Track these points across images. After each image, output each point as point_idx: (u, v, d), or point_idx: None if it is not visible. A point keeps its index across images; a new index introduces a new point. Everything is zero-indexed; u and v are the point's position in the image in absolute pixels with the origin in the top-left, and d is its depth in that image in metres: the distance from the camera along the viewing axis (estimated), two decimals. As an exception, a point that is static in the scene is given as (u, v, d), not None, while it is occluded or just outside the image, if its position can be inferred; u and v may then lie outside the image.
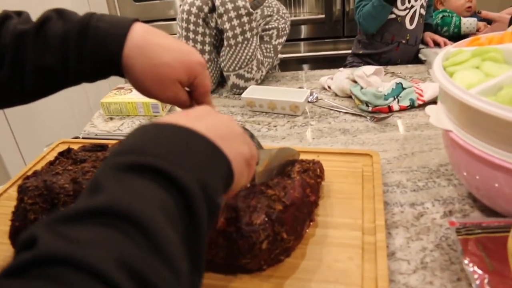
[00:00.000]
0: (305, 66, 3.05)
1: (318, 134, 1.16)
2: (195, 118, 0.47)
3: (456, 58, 0.76)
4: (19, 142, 2.26)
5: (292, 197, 0.67)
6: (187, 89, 0.63)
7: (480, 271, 0.60)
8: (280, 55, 1.65)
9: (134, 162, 0.39)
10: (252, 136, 0.74)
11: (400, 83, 1.25)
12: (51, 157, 1.03)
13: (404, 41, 1.89)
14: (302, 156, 0.97)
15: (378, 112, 1.24)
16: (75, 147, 1.13)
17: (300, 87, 1.43)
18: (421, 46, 1.95)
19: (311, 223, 0.76)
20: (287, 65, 2.85)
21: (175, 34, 1.42)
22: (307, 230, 0.74)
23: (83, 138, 1.23)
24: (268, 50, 1.46)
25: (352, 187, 0.85)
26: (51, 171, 0.76)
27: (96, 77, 0.62)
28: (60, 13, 0.60)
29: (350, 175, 0.89)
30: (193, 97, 0.64)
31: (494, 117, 0.62)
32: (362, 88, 1.26)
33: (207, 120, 0.47)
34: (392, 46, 1.89)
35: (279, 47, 1.50)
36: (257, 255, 0.62)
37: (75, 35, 0.58)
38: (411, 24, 1.86)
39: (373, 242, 0.71)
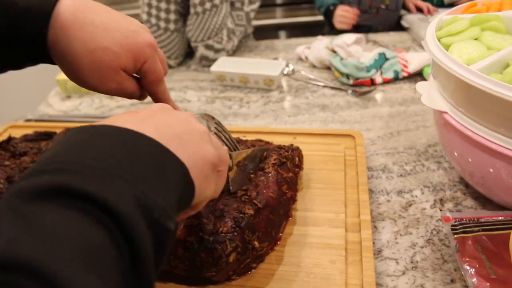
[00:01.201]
0: (282, 34, 2.92)
1: (295, 111, 1.06)
2: (143, 118, 0.38)
3: (452, 28, 0.66)
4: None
5: (266, 198, 0.57)
6: (136, 75, 0.52)
7: (480, 279, 0.53)
8: (254, 22, 1.52)
9: (46, 185, 0.28)
10: (220, 131, 0.63)
11: (383, 53, 1.15)
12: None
13: (383, 6, 1.78)
14: (277, 138, 0.87)
15: (359, 86, 1.14)
16: (26, 131, 1.01)
17: (275, 58, 1.32)
18: (402, 12, 1.84)
19: (289, 219, 0.66)
20: (262, 33, 2.70)
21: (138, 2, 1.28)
22: (284, 228, 0.65)
23: (36, 120, 1.09)
24: (239, 17, 1.33)
25: (334, 175, 0.76)
26: (-17, 166, 0.64)
27: (20, 65, 0.50)
28: None
29: (331, 160, 0.80)
30: (143, 86, 0.52)
31: (499, 99, 0.52)
32: (342, 59, 1.16)
33: (158, 118, 0.38)
34: (371, 12, 1.78)
35: (252, 14, 1.37)
36: (223, 268, 0.52)
37: None
38: None
39: (358, 241, 0.63)
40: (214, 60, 1.25)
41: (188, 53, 1.40)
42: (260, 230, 0.55)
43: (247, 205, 0.55)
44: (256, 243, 0.53)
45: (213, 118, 0.63)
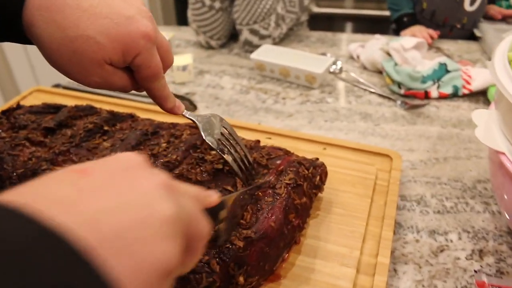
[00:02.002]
0: (349, 26, 2.76)
1: (333, 115, 0.96)
2: (80, 193, 0.23)
3: (529, 51, 0.54)
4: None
5: (265, 228, 0.49)
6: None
7: None
8: (317, 9, 1.40)
9: None
10: (227, 137, 0.54)
11: (445, 64, 1.02)
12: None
13: (459, 26, 1.47)
14: (305, 146, 0.78)
15: (411, 97, 1.02)
16: (51, 97, 0.98)
17: (322, 53, 1.21)
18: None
19: (294, 246, 0.58)
20: (320, 22, 2.56)
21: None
22: (286, 257, 0.56)
23: (64, 87, 1.06)
24: (292, 3, 1.22)
25: (359, 201, 0.66)
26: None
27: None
28: None
29: (360, 182, 0.70)
30: (136, 80, 0.45)
31: None
32: (396, 64, 1.03)
33: (104, 195, 0.24)
34: (444, 30, 1.46)
35: (307, 1, 1.26)
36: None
37: None
38: (471, 5, 1.42)
39: (368, 287, 0.54)
40: (258, 47, 1.16)
41: (233, 35, 1.32)
42: (250, 264, 0.47)
43: (238, 234, 0.47)
44: (241, 278, 0.45)
45: (221, 120, 0.55)
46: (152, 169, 0.27)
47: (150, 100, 0.54)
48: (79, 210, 0.22)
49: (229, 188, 0.52)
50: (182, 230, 0.26)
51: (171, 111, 0.50)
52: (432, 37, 1.30)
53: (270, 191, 0.54)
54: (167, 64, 0.46)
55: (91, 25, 0.39)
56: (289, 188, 0.54)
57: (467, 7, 1.42)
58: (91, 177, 0.25)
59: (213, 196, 0.33)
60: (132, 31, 0.40)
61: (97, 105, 0.76)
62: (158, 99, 0.47)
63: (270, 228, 0.49)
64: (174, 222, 0.25)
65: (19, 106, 0.71)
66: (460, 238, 0.64)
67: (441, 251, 0.63)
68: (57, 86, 1.07)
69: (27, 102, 0.94)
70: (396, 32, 1.51)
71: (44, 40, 0.39)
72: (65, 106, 0.71)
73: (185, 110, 0.52)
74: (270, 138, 0.81)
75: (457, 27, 1.47)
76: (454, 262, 0.61)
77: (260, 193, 0.53)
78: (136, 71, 0.43)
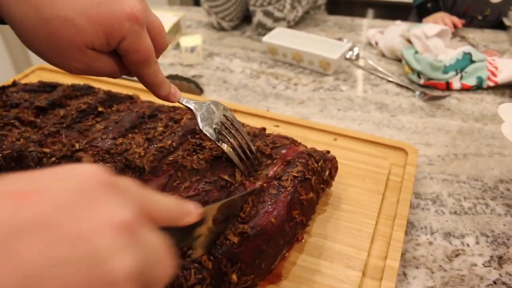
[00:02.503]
0: (370, 12, 2.67)
1: (347, 104, 0.90)
2: (17, 226, 0.18)
3: None
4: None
5: (263, 224, 0.44)
6: None
7: None
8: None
9: None
10: (227, 126, 0.49)
11: (469, 53, 0.95)
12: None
13: (480, 17, 1.39)
14: (315, 135, 0.73)
15: (431, 88, 0.95)
16: (53, 76, 0.94)
17: (339, 39, 1.15)
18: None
19: (295, 244, 0.54)
20: (339, 6, 2.48)
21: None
22: (286, 255, 0.52)
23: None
24: (309, -15, 1.16)
25: (369, 197, 0.61)
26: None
27: None
28: None
29: (371, 177, 0.65)
30: (126, 66, 0.40)
31: None
32: (417, 52, 0.97)
33: (49, 236, 0.18)
34: (465, 20, 1.32)
35: (325, -17, 1.20)
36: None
37: None
38: None
39: (375, 293, 0.49)
40: (271, 30, 1.11)
41: (246, 17, 1.27)
42: (244, 261, 0.42)
43: (234, 227, 0.42)
44: (234, 276, 0.41)
45: (223, 108, 0.51)
46: (117, 196, 0.21)
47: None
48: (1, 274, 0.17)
49: (226, 177, 0.48)
50: (141, 284, 0.21)
51: (165, 99, 0.45)
52: (456, 26, 1.23)
53: (275, 183, 0.49)
54: (160, 47, 0.42)
55: (68, 4, 0.35)
56: (296, 181, 0.50)
57: (492, -3, 1.33)
58: (32, 205, 0.19)
59: (192, 215, 0.28)
60: (116, 12, 0.36)
61: (99, 85, 0.72)
62: (151, 86, 0.43)
63: (270, 224, 0.44)
64: (130, 282, 0.20)
65: (14, 84, 0.67)
66: (477, 243, 0.59)
67: (456, 255, 0.58)
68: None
69: (28, 80, 0.91)
70: (418, 19, 1.43)
71: (16, 20, 0.35)
72: (60, 85, 0.68)
73: (182, 97, 0.47)
74: (277, 126, 0.76)
75: (478, 19, 1.39)
76: (470, 269, 0.56)
77: (264, 185, 0.49)
78: (123, 56, 0.39)
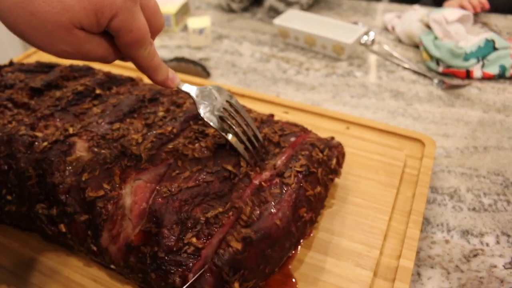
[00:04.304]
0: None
1: (360, 91, 0.86)
2: None
3: None
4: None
5: (268, 227, 0.41)
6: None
7: None
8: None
9: None
10: (230, 112, 0.46)
11: (492, 40, 0.90)
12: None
13: None
14: (326, 123, 0.69)
15: (450, 76, 0.90)
16: (59, 59, 0.91)
17: (354, 23, 1.10)
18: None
19: (303, 241, 0.50)
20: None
21: None
22: (293, 253, 0.49)
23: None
24: (324, -35, 1.11)
25: (382, 191, 0.58)
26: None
27: None
28: None
29: (384, 169, 0.61)
30: (118, 48, 0.36)
31: None
32: (436, 38, 0.92)
33: None
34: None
35: (341, -36, 1.14)
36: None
37: None
38: None
39: (386, 296, 0.46)
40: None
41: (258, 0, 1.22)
42: (247, 268, 0.39)
43: (235, 232, 0.39)
44: (236, 285, 0.38)
45: (227, 94, 0.47)
46: None
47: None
48: None
49: (229, 168, 0.44)
50: None
51: (163, 84, 0.41)
52: (483, 8, 1.16)
53: (278, 181, 0.46)
54: (155, 29, 0.38)
55: None
56: (300, 176, 0.46)
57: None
58: None
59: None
60: None
61: (100, 66, 0.69)
62: (146, 71, 0.39)
63: (275, 227, 0.41)
64: None
65: (10, 64, 0.64)
66: (498, 242, 0.55)
67: (475, 256, 0.54)
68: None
69: (30, 61, 0.88)
70: (438, 4, 1.36)
71: None
72: (57, 65, 0.64)
73: (181, 82, 0.44)
74: (287, 113, 0.72)
75: None
76: (489, 270, 0.52)
77: (264, 183, 0.45)
78: (115, 37, 0.35)
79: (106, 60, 0.37)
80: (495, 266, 0.52)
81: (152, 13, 0.37)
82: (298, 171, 0.46)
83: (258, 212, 0.41)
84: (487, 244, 0.55)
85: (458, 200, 0.62)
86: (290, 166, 0.47)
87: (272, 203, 0.42)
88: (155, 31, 0.38)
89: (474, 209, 0.60)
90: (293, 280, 0.46)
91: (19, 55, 0.91)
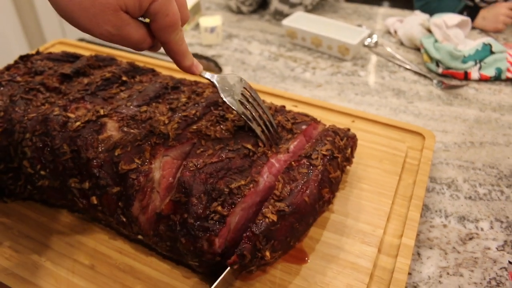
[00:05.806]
0: (384, 2, 2.64)
1: (364, 89, 0.91)
2: None
3: None
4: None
5: (298, 202, 0.45)
6: (144, 19, 0.40)
7: None
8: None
9: None
10: (248, 96, 0.50)
11: (489, 44, 0.95)
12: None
13: None
14: (333, 117, 0.74)
15: (449, 77, 0.95)
16: (73, 50, 0.95)
17: (358, 25, 1.15)
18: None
19: (317, 218, 0.54)
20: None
21: None
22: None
23: (88, 42, 1.03)
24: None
25: (386, 178, 0.62)
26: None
27: None
28: None
29: (388, 158, 0.65)
30: (153, 32, 0.41)
31: None
32: (436, 41, 0.97)
33: None
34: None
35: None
36: (208, 260, 0.42)
37: None
38: None
39: (389, 269, 0.50)
40: (288, 16, 1.11)
41: (265, 2, 1.26)
42: (277, 239, 0.43)
43: (270, 206, 0.43)
44: (267, 253, 0.42)
45: (241, 80, 0.51)
46: None
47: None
48: None
49: (249, 146, 0.49)
50: None
51: (188, 70, 0.46)
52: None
53: (305, 161, 0.50)
54: (183, 18, 0.42)
55: None
56: (326, 159, 0.50)
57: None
58: None
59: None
60: None
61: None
62: (176, 55, 0.43)
63: (304, 203, 0.45)
64: None
65: (38, 53, 0.68)
66: (492, 227, 0.60)
67: (470, 239, 0.58)
68: (81, 40, 1.04)
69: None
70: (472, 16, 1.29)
71: None
72: (81, 56, 0.68)
73: (203, 71, 0.48)
74: (296, 106, 0.76)
75: None
76: (483, 252, 0.56)
77: (293, 163, 0.49)
78: (152, 21, 0.39)
79: (140, 47, 0.41)
80: (489, 248, 0.57)
81: (181, 4, 0.41)
82: (324, 155, 0.50)
83: (288, 188, 0.45)
84: (482, 229, 0.60)
85: (456, 190, 0.66)
86: (316, 149, 0.51)
87: (301, 181, 0.47)
88: (183, 21, 0.43)
89: (470, 197, 0.65)
90: (305, 255, 0.50)
91: (24, 52, 0.95)
